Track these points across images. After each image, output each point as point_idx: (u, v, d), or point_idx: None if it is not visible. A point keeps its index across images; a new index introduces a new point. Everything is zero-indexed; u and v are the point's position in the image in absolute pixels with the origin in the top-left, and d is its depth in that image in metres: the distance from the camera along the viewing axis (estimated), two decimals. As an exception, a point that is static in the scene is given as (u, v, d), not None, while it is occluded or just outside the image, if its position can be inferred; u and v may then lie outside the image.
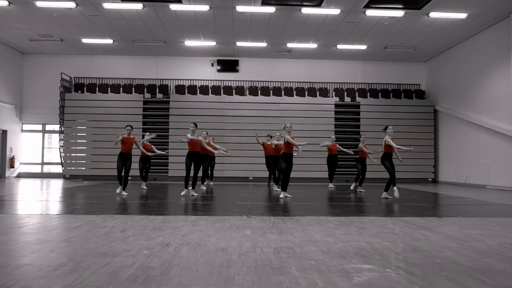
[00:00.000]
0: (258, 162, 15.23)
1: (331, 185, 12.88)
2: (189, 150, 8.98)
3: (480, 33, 14.20)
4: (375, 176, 15.55)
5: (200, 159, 9.18)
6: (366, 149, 10.86)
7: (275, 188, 11.21)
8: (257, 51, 17.17)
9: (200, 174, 10.54)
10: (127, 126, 9.34)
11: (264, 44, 16.17)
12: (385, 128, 8.96)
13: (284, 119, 16.22)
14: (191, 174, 8.99)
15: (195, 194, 9.05)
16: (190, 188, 9.06)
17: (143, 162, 11.11)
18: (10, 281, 2.79)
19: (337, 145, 12.44)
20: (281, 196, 8.82)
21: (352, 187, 11.99)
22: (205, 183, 11.98)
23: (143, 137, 11.99)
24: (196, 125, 8.97)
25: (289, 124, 8.62)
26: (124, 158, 9.26)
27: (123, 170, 9.30)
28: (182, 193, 9.11)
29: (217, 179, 16.08)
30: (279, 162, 8.77)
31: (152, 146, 11.27)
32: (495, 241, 4.36)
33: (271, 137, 12.10)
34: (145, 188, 11.26)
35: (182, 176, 10.11)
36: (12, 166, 17.08)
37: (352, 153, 12.65)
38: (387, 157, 8.79)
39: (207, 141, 10.37)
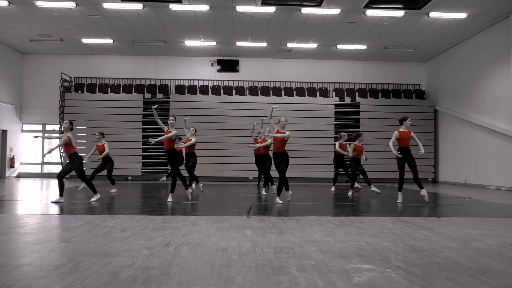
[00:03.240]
0: (258, 162, 15.21)
1: (333, 188, 11.77)
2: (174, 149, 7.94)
3: (480, 33, 14.19)
4: (379, 176, 15.55)
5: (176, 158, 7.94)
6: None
7: (264, 191, 10.01)
8: (257, 51, 17.17)
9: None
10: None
11: (264, 44, 16.17)
12: (405, 120, 8.09)
13: (284, 119, 16.22)
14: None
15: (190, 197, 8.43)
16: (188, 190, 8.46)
17: (104, 164, 10.05)
18: (10, 281, 2.79)
19: (346, 145, 10.99)
20: (278, 201, 7.80)
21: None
22: (195, 185, 11.01)
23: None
24: (175, 119, 7.95)
25: (283, 118, 7.75)
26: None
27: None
28: (169, 200, 8.03)
29: (217, 179, 16.10)
30: (280, 162, 7.72)
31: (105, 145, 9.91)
32: (495, 241, 4.36)
33: (259, 132, 10.57)
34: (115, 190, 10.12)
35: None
36: (12, 166, 17.08)
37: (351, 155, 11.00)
38: (402, 151, 8.00)
39: (188, 138, 9.50)
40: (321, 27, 14.03)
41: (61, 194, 7.56)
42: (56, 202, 7.47)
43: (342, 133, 11.27)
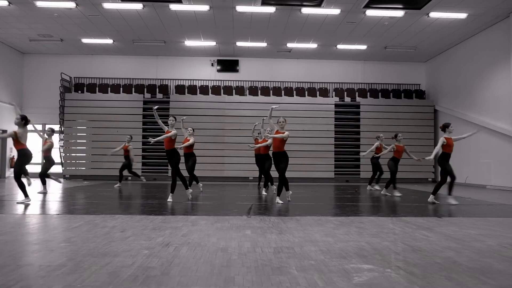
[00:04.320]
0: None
1: (376, 187, 11.72)
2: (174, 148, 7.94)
3: (480, 33, 14.20)
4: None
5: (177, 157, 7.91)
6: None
7: (264, 191, 9.99)
8: (257, 51, 17.17)
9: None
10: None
11: (264, 44, 16.17)
12: (447, 126, 7.89)
13: (284, 119, 16.22)
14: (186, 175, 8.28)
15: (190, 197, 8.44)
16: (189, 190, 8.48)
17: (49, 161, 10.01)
18: (10, 281, 2.79)
19: (383, 146, 11.07)
20: (278, 201, 7.77)
21: (383, 191, 10.28)
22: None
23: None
24: (175, 119, 8.00)
25: (282, 118, 7.70)
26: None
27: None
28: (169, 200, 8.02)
29: (217, 179, 16.10)
30: (279, 162, 7.72)
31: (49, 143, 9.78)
32: (495, 241, 4.36)
33: (259, 132, 10.50)
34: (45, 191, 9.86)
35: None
36: (12, 166, 17.08)
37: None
38: (447, 157, 7.84)
39: (186, 138, 9.56)
40: (321, 27, 14.03)
41: (25, 195, 7.43)
42: (21, 203, 7.27)
43: (381, 135, 11.35)
